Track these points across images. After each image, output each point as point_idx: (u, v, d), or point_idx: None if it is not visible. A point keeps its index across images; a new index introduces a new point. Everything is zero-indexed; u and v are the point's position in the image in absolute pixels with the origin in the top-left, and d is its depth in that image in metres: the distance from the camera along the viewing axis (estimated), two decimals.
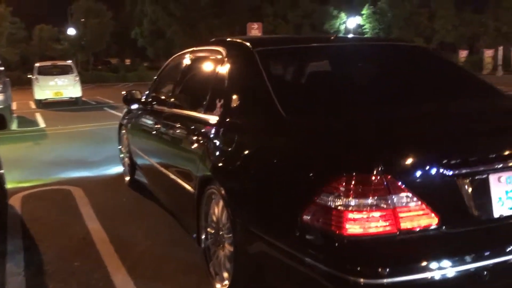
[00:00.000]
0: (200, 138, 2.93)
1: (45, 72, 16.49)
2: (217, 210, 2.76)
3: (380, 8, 41.43)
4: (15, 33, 42.10)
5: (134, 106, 4.74)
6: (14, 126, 11.36)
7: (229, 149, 2.59)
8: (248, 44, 2.86)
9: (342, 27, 41.90)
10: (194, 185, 3.01)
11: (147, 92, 4.59)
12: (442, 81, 2.78)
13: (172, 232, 3.79)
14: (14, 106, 14.98)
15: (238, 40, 3.03)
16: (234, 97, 2.65)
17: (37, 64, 17.22)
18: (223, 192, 2.58)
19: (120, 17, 49.18)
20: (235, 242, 2.52)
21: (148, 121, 4.18)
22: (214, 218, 2.81)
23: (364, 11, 41.65)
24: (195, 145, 2.97)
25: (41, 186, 5.44)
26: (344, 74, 2.69)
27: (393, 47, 3.18)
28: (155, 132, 3.84)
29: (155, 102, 4.20)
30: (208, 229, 2.91)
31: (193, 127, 3.17)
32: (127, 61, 50.55)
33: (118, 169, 5.98)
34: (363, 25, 41.03)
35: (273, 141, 2.27)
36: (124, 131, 5.28)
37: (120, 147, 5.58)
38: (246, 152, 2.45)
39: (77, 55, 42.82)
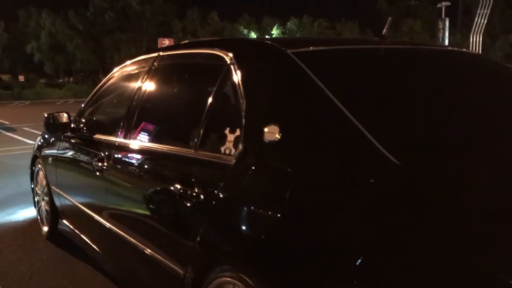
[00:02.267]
0: (194, 191, 1.84)
1: None
2: None
3: (289, 29, 42.12)
4: None
5: (58, 134, 3.48)
6: None
7: (267, 216, 1.53)
8: (274, 44, 1.86)
9: None
10: (184, 266, 1.91)
11: (79, 116, 3.36)
12: None
13: None
14: None
15: (256, 40, 2.01)
16: (270, 128, 1.60)
17: None
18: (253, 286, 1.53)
19: (13, 30, 45.13)
20: None
21: (85, 155, 2.97)
22: None
23: (274, 31, 42.09)
24: (186, 201, 1.88)
25: None
26: (437, 91, 1.77)
27: (465, 56, 2.34)
28: (99, 171, 2.65)
29: (94, 130, 3.00)
30: None
31: (176, 171, 2.09)
32: (21, 78, 46.36)
33: (29, 213, 4.58)
34: None
35: (378, 210, 1.27)
36: (40, 166, 3.94)
37: (34, 186, 4.21)
38: (310, 224, 1.41)
39: None
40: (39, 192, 4.07)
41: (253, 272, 1.54)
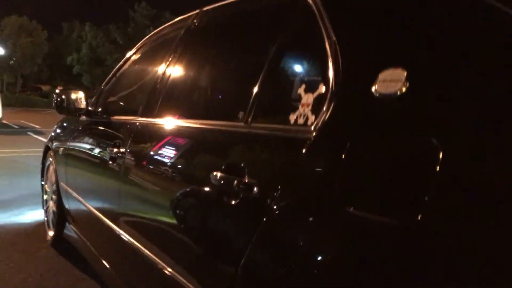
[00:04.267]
0: (243, 180, 1.18)
1: None
2: None
3: None
4: None
5: (73, 118, 2.91)
6: None
7: (385, 236, 0.84)
8: None
9: None
10: None
11: (97, 97, 2.77)
12: None
13: None
14: None
15: None
16: (387, 74, 0.92)
17: None
18: None
19: (55, 41, 46.19)
20: None
21: (100, 144, 2.36)
22: None
23: None
24: (229, 198, 1.21)
25: None
26: None
27: None
28: (112, 160, 2.02)
29: (115, 111, 2.40)
30: None
31: (214, 153, 1.44)
32: (59, 88, 47.16)
33: (38, 215, 4.01)
34: None
35: None
36: (51, 159, 3.37)
37: (44, 183, 3.63)
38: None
39: (3, 75, 39.19)
40: (48, 190, 3.48)
41: None
